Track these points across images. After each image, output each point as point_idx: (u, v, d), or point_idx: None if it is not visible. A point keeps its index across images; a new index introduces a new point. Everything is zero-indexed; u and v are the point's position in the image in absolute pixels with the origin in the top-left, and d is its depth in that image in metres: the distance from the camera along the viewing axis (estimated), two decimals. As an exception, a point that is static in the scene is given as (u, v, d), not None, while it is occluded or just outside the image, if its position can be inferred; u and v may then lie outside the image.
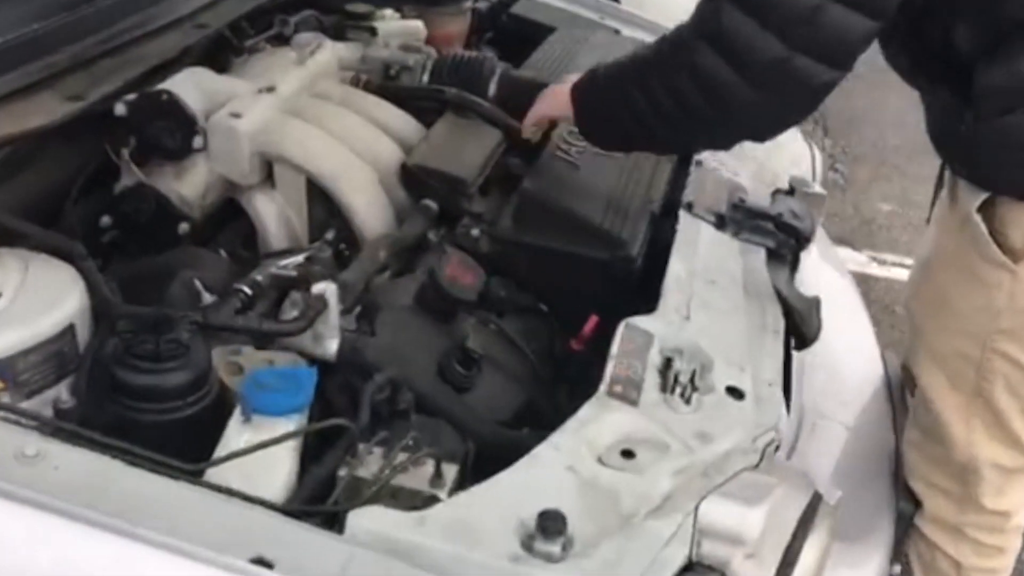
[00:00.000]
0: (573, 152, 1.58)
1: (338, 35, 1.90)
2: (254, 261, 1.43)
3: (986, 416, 1.53)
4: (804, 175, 1.99)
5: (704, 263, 1.45)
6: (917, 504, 1.63)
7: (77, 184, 1.44)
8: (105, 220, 1.42)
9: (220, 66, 1.70)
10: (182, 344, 1.09)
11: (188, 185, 1.43)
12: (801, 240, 1.64)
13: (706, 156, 1.73)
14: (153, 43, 1.61)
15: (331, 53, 1.62)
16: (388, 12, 1.95)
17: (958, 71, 1.36)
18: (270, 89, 1.46)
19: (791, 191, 1.72)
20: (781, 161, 1.95)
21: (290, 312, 1.31)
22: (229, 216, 1.52)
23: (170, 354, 1.08)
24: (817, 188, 1.94)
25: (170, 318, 1.11)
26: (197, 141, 1.41)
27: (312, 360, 1.24)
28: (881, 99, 4.88)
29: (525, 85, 1.78)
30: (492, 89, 1.75)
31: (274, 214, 1.45)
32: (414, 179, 1.51)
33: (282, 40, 1.83)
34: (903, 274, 3.43)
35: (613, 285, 1.45)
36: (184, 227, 1.41)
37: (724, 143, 1.52)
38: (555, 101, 1.51)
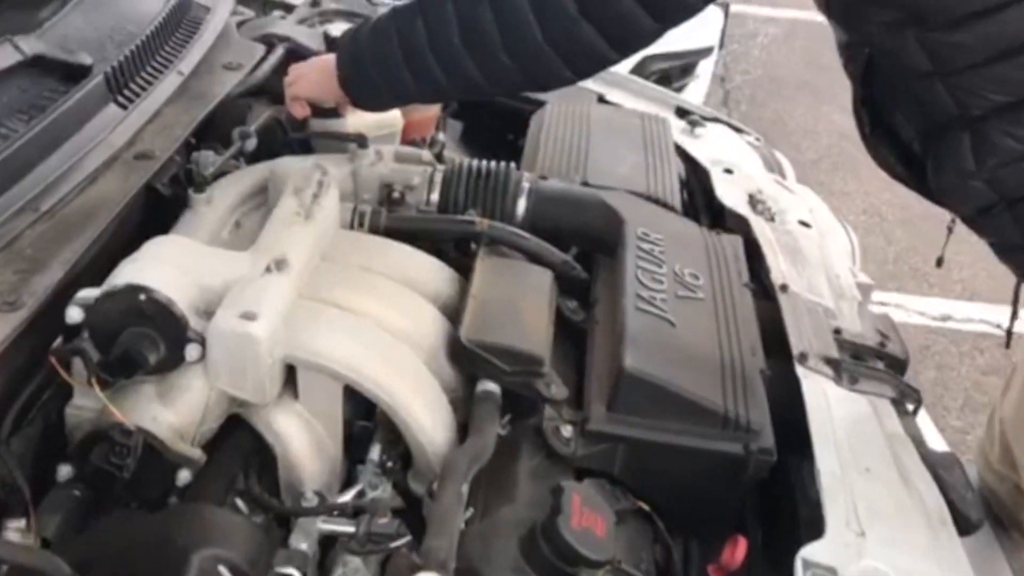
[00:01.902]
0: (658, 301, 1.26)
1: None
2: (280, 507, 1.05)
3: None
4: (852, 265, 1.78)
5: (848, 444, 1.17)
6: None
7: (9, 416, 1.02)
8: (64, 472, 1.00)
9: (177, 207, 1.29)
10: None
11: (179, 411, 1.01)
12: (905, 368, 1.42)
13: (782, 273, 1.46)
14: (91, 191, 1.18)
15: (337, 192, 1.22)
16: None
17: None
18: (279, 264, 1.06)
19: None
20: (834, 254, 1.70)
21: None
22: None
23: None
24: (863, 277, 1.74)
25: None
26: (191, 351, 1.00)
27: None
28: (788, 110, 4.77)
29: (561, 200, 1.45)
30: (520, 208, 1.42)
31: (303, 436, 1.05)
32: (473, 359, 1.15)
33: (240, 154, 1.43)
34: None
35: (743, 480, 1.15)
36: (184, 476, 1.00)
37: (500, 87, 1.33)
38: (312, 80, 1.39)
